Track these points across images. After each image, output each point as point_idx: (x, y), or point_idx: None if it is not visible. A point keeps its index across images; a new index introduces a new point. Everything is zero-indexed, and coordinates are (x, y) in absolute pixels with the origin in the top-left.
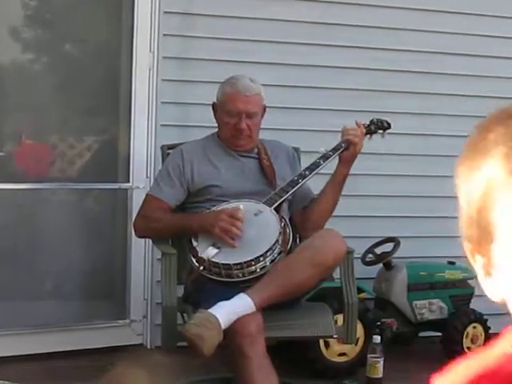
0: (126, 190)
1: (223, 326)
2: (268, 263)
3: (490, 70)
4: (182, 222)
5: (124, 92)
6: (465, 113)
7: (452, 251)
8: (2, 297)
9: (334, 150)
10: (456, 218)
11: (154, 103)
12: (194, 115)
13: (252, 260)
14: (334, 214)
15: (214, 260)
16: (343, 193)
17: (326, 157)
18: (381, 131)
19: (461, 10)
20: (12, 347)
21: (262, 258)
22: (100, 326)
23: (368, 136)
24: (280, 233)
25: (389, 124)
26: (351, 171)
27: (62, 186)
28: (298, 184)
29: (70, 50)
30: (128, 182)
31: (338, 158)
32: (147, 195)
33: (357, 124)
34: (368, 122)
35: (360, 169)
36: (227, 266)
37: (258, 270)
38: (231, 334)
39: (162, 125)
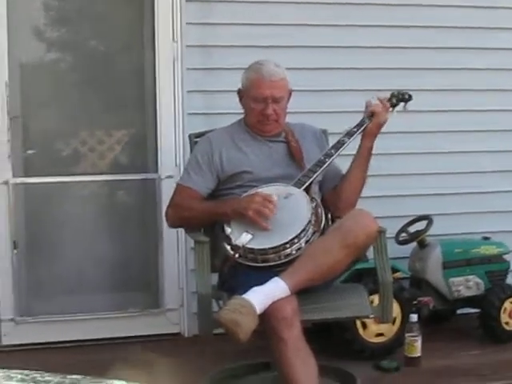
0: (154, 180)
1: (258, 311)
2: (303, 244)
3: None
4: (214, 208)
5: (149, 83)
6: (491, 87)
7: (486, 226)
8: (38, 288)
9: (358, 125)
10: (488, 193)
11: (180, 93)
12: (220, 103)
13: (287, 243)
14: (365, 194)
15: (249, 246)
16: (373, 173)
17: (350, 134)
18: (402, 103)
19: None
20: (47, 334)
21: (296, 240)
22: (135, 314)
23: (390, 109)
24: (312, 213)
25: (410, 96)
26: (382, 151)
27: (91, 178)
28: (324, 163)
29: (94, 46)
30: (156, 172)
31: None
32: (177, 185)
33: (379, 99)
34: (389, 96)
35: (389, 148)
36: (263, 251)
37: (294, 252)
38: (267, 318)
39: (188, 113)
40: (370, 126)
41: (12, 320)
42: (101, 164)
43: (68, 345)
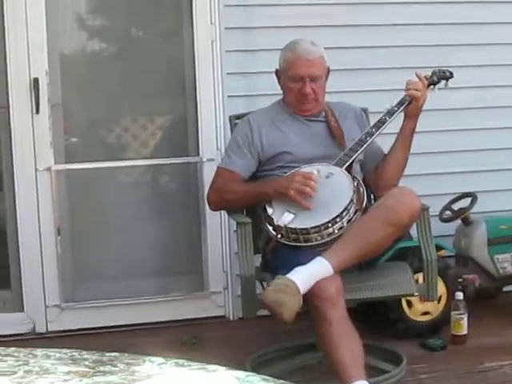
0: (196, 163)
1: (302, 291)
2: (345, 223)
3: None
4: (256, 189)
5: (189, 67)
6: None
7: None
8: (83, 274)
9: (399, 104)
10: None
11: (220, 75)
12: (260, 84)
13: (329, 222)
14: (408, 172)
15: (291, 226)
16: (415, 151)
17: (391, 113)
18: (444, 81)
19: None
20: (93, 320)
21: (338, 219)
22: (180, 298)
23: (431, 87)
24: (354, 192)
25: (451, 73)
26: (423, 128)
27: (133, 163)
28: (365, 142)
29: (132, 32)
30: (198, 155)
31: (403, 112)
32: (218, 168)
33: (417, 76)
34: (430, 74)
35: (430, 125)
36: (305, 231)
37: (336, 231)
38: (311, 298)
39: (228, 96)
40: (409, 108)
41: (57, 306)
42: (143, 149)
43: (114, 330)
